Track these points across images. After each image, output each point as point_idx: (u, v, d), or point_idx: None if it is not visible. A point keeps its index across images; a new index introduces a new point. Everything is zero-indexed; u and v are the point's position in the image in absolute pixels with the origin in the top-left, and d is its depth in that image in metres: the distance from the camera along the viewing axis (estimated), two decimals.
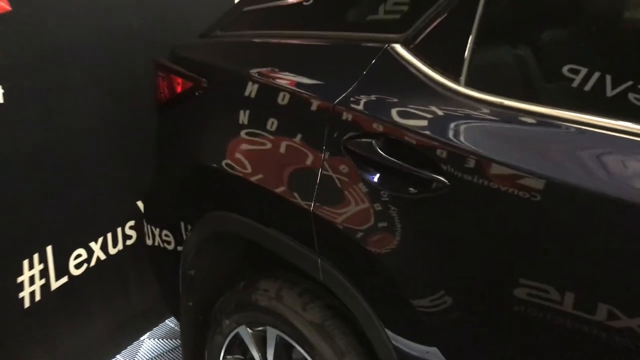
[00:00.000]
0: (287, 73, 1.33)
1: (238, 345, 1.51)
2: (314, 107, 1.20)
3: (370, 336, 1.15)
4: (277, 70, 1.35)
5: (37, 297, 1.78)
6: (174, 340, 2.33)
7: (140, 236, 2.15)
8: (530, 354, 0.94)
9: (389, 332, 1.10)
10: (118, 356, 2.21)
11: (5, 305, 1.68)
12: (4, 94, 1.56)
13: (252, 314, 1.40)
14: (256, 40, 1.50)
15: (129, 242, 2.14)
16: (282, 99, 1.28)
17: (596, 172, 0.85)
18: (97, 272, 2.01)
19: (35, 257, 1.75)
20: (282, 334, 1.34)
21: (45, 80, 1.69)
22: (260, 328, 1.42)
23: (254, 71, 1.37)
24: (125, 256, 2.13)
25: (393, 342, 1.10)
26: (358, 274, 1.14)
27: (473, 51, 1.03)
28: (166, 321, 2.42)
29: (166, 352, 2.26)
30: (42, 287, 1.79)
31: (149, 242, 1.87)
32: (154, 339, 2.34)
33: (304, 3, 1.44)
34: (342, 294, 1.17)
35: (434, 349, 1.04)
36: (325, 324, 1.26)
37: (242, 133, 1.36)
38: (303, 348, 1.28)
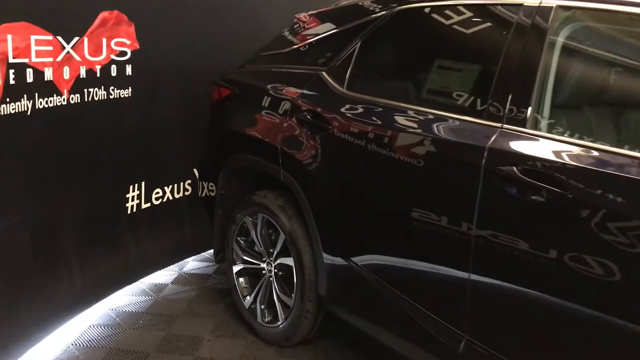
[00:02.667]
0: (281, 85, 2.76)
1: (244, 230, 2.91)
2: (286, 100, 2.64)
3: (302, 207, 2.53)
4: (276, 84, 2.79)
5: (134, 210, 3.21)
6: (208, 263, 3.72)
7: (194, 191, 3.56)
8: (393, 239, 2.25)
9: (312, 206, 2.48)
10: (172, 266, 3.61)
11: (119, 209, 3.11)
12: (132, 92, 3.04)
13: (251, 208, 2.81)
14: (267, 70, 2.96)
15: (186, 193, 3.56)
16: (277, 98, 2.72)
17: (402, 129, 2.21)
18: (167, 207, 3.43)
19: (136, 185, 3.19)
20: (265, 215, 2.73)
21: (151, 88, 3.16)
22: (254, 217, 2.81)
23: (263, 84, 2.82)
24: (183, 202, 3.54)
25: (312, 212, 2.47)
26: (297, 175, 2.53)
27: (350, 75, 2.45)
28: (204, 253, 3.81)
29: (203, 268, 3.66)
30: (137, 205, 3.23)
31: (200, 193, 3.32)
32: (195, 261, 3.74)
33: (300, 49, 2.87)
34: (291, 186, 2.56)
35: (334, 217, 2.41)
36: (284, 205, 2.65)
37: (255, 114, 2.80)
38: (272, 218, 2.67)
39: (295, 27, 3.01)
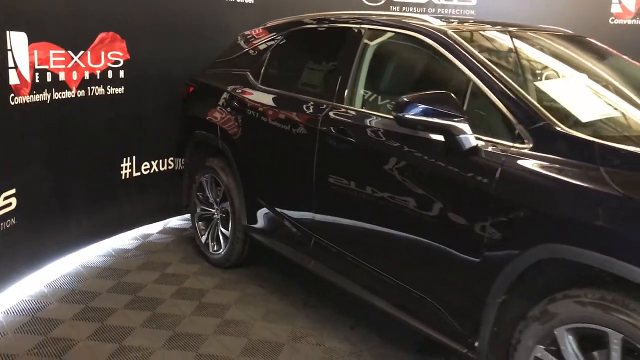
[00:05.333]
0: (223, 82, 3.98)
1: (201, 188, 4.13)
2: (225, 92, 3.86)
3: (232, 166, 3.73)
4: (220, 81, 4.01)
5: (127, 177, 4.46)
6: (187, 221, 4.94)
7: (175, 166, 4.79)
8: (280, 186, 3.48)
9: (237, 165, 3.69)
10: (159, 222, 4.85)
11: (115, 176, 4.36)
12: (124, 90, 4.29)
13: (204, 171, 4.03)
14: (219, 72, 4.18)
15: (169, 167, 4.80)
16: (219, 91, 3.94)
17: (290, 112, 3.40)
18: (154, 177, 4.67)
19: (128, 158, 4.44)
20: (213, 175, 3.95)
21: (140, 87, 4.40)
22: (206, 177, 4.03)
23: (212, 82, 4.05)
24: (167, 174, 4.77)
25: (237, 169, 3.67)
26: (228, 143, 3.74)
27: (263, 74, 3.66)
28: (185, 215, 5.03)
29: (182, 224, 4.88)
30: (129, 173, 4.47)
31: (177, 167, 4.56)
32: (177, 220, 4.97)
33: (240, 56, 4.09)
34: (225, 152, 3.77)
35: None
36: (224, 167, 3.85)
37: (206, 103, 4.03)
38: (216, 176, 3.88)
39: (248, 37, 4.19)
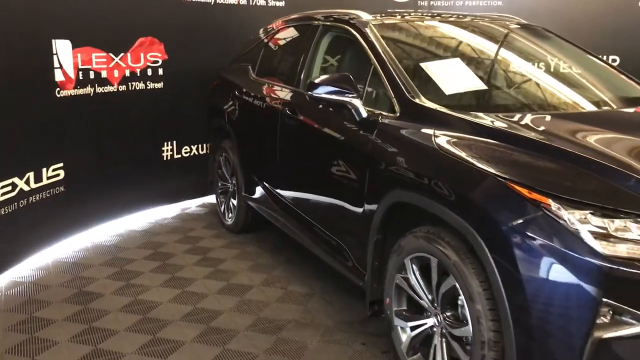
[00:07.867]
0: (232, 75, 4.74)
1: (220, 166, 4.91)
2: (232, 83, 4.62)
3: (234, 145, 4.48)
4: (230, 74, 4.77)
5: (168, 158, 5.34)
6: (212, 200, 5.75)
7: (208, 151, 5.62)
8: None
9: (237, 145, 4.43)
10: (187, 200, 5.67)
11: (157, 156, 5.25)
12: (163, 85, 5.17)
13: (221, 151, 4.81)
14: (234, 67, 4.95)
15: (204, 152, 5.63)
16: (229, 83, 4.71)
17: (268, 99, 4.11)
18: (194, 159, 5.52)
19: (169, 142, 5.31)
20: (225, 154, 4.72)
21: (179, 83, 5.26)
22: (222, 156, 4.81)
23: (225, 75, 4.82)
24: (202, 157, 5.61)
25: (237, 148, 4.41)
26: (232, 126, 4.49)
27: (258, 66, 4.37)
28: (209, 196, 5.83)
29: (209, 203, 5.70)
30: (170, 155, 5.35)
31: (207, 152, 5.40)
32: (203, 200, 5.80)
33: (250, 51, 4.84)
34: (230, 133, 4.52)
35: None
36: (232, 146, 4.61)
37: (220, 94, 4.81)
38: (228, 155, 4.65)
39: (268, 29, 4.90)
